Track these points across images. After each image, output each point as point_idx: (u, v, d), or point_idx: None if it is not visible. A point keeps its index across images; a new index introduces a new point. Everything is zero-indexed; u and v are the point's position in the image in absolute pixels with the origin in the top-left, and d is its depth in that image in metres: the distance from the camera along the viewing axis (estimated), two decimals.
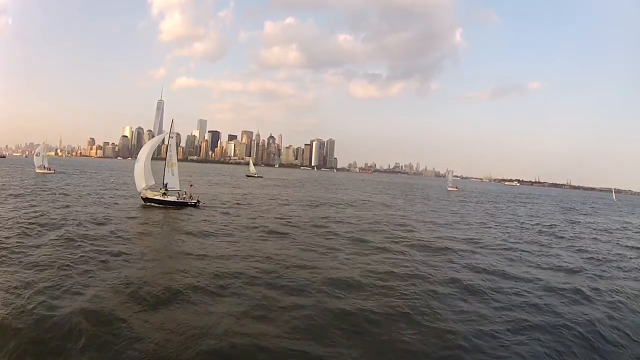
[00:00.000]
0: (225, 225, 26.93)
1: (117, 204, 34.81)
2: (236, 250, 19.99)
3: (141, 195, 33.87)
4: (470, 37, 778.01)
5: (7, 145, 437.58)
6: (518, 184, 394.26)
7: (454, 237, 28.08)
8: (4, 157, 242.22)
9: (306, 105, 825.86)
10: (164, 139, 36.44)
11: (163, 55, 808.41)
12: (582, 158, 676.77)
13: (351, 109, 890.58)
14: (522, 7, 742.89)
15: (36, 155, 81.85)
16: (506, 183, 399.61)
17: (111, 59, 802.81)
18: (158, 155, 45.55)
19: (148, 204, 33.59)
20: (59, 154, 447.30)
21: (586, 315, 13.52)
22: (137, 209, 32.25)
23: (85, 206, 32.14)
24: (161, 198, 33.31)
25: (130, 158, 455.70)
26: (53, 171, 77.90)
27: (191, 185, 39.82)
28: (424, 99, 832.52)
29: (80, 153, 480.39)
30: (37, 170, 76.92)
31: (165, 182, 33.57)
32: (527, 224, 41.11)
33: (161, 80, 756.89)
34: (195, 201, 34.16)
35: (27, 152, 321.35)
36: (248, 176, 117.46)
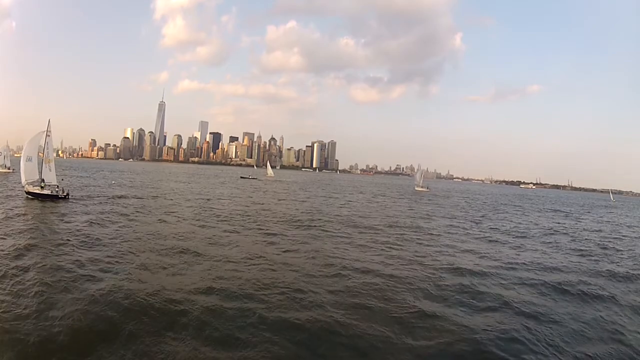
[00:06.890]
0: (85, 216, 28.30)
1: (10, 196, 37.12)
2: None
3: (25, 189, 35.46)
4: (470, 41, 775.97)
5: (8, 146, 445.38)
6: (534, 187, 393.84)
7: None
8: None
9: (307, 108, 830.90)
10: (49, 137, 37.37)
11: (165, 59, 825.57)
12: (583, 159, 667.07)
13: (352, 112, 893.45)
14: (520, 11, 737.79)
15: None
16: (522, 186, 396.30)
17: (114, 63, 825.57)
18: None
19: (30, 197, 35.51)
20: (61, 155, 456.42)
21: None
22: (21, 201, 34.25)
23: None
24: (39, 192, 35.14)
25: (131, 160, 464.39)
26: (12, 170, 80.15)
27: (62, 180, 41.65)
28: (425, 102, 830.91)
29: (82, 154, 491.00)
30: None
31: (42, 177, 35.21)
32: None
33: (163, 84, 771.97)
34: (65, 194, 36.06)
35: None
36: (242, 177, 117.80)
